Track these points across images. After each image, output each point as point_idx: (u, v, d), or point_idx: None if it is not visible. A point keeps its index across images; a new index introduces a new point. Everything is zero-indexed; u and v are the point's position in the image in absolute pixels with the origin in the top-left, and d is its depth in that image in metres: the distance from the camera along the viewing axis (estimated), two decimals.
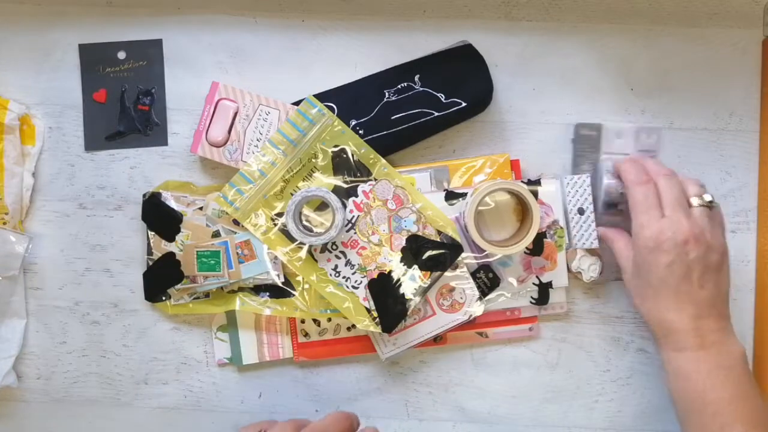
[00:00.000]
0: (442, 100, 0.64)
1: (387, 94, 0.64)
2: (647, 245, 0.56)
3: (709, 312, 0.56)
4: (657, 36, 0.66)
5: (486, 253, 0.63)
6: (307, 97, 0.63)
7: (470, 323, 0.65)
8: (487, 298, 0.64)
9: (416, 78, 0.64)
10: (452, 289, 0.64)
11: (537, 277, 0.64)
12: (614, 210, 0.63)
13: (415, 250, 0.63)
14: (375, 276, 0.63)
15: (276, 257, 0.63)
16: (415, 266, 0.63)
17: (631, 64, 0.66)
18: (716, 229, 0.58)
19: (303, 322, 0.65)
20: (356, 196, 0.63)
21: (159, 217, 0.65)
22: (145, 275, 0.66)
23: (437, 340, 0.66)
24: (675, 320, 0.56)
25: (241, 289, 0.65)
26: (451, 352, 0.67)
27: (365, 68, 0.66)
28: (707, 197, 0.58)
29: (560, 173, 0.66)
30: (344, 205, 0.62)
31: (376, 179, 0.63)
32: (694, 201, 0.58)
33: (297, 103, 0.64)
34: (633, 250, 0.59)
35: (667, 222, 0.56)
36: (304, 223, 0.63)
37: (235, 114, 0.64)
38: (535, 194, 0.63)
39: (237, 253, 0.64)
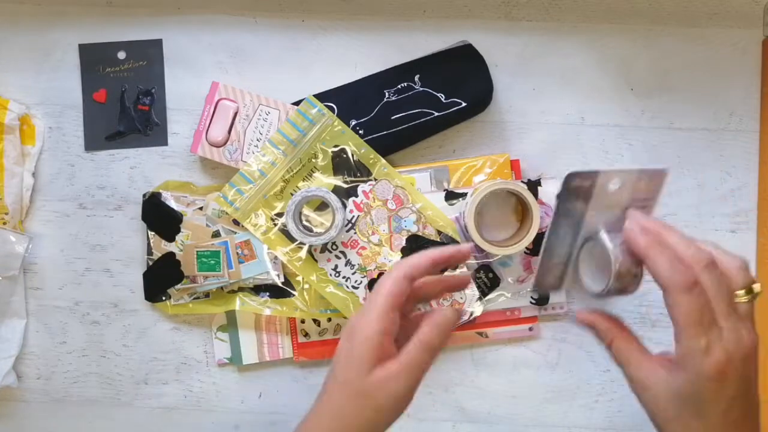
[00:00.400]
0: (442, 100, 0.64)
1: (387, 94, 0.64)
2: (710, 376, 0.40)
3: None
4: (657, 36, 0.66)
5: (486, 253, 0.63)
6: (307, 97, 0.63)
7: (470, 323, 0.65)
8: (487, 298, 0.64)
9: (416, 78, 0.64)
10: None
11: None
12: (617, 294, 0.46)
13: (415, 250, 0.63)
14: (375, 276, 0.63)
15: (276, 257, 0.63)
16: None
17: (631, 64, 0.66)
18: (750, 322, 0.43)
19: (303, 322, 0.65)
20: (356, 196, 0.63)
21: (159, 217, 0.65)
22: (145, 275, 0.66)
23: None
24: None
25: (241, 289, 0.65)
26: (451, 352, 0.67)
27: (365, 68, 0.66)
28: (757, 287, 0.43)
29: (560, 173, 0.66)
30: (344, 205, 0.62)
31: (376, 179, 0.63)
32: (743, 296, 0.43)
33: (297, 103, 0.64)
34: (679, 375, 0.42)
35: (731, 342, 0.41)
36: (304, 223, 0.63)
37: (235, 114, 0.64)
38: (535, 194, 0.63)
39: (237, 253, 0.64)
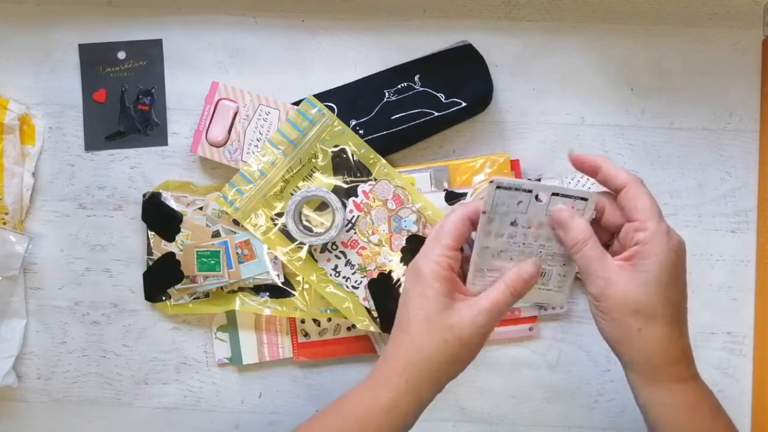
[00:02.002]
0: (442, 100, 0.64)
1: (387, 94, 0.64)
2: (672, 257, 0.46)
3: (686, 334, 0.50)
4: (657, 36, 0.66)
5: None
6: (307, 97, 0.63)
7: None
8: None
9: (416, 78, 0.64)
10: None
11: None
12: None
13: (415, 250, 0.63)
14: (375, 276, 0.63)
15: (276, 257, 0.63)
16: None
17: (631, 64, 0.66)
18: None
19: (303, 322, 0.65)
20: (356, 196, 0.63)
21: (159, 217, 0.65)
22: (145, 275, 0.66)
23: None
24: (686, 346, 0.49)
25: (241, 289, 0.65)
26: None
27: (365, 68, 0.66)
28: None
29: (560, 173, 0.66)
30: (344, 205, 0.62)
31: (376, 179, 0.63)
32: None
33: (297, 103, 0.64)
34: (638, 263, 0.47)
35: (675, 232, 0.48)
36: (304, 223, 0.63)
37: (235, 114, 0.64)
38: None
39: (237, 253, 0.64)
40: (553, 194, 0.48)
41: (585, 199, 0.48)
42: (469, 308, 0.47)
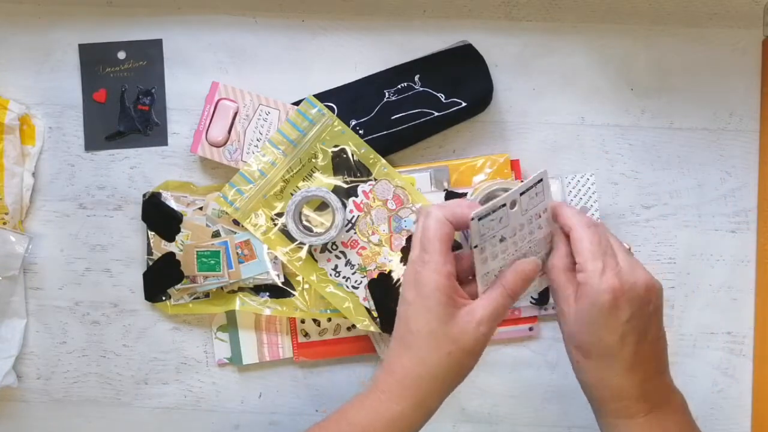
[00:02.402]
0: (442, 100, 0.64)
1: (387, 94, 0.64)
2: (604, 299, 0.46)
3: (655, 369, 0.49)
4: (657, 36, 0.66)
5: None
6: (307, 97, 0.63)
7: None
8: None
9: (416, 78, 0.64)
10: None
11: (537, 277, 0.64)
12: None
13: None
14: (375, 276, 0.63)
15: (276, 257, 0.63)
16: None
17: (631, 64, 0.66)
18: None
19: (303, 322, 0.65)
20: (356, 196, 0.63)
21: (159, 217, 0.65)
22: (145, 275, 0.66)
23: None
24: (625, 387, 0.48)
25: (241, 289, 0.65)
26: None
27: (365, 68, 0.66)
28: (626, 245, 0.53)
29: (560, 173, 0.66)
30: (344, 205, 0.62)
31: (376, 179, 0.63)
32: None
33: (297, 103, 0.64)
34: (579, 301, 0.48)
35: (628, 268, 0.47)
36: (304, 223, 0.63)
37: (235, 114, 0.64)
38: None
39: (237, 253, 0.64)
40: (521, 194, 0.48)
41: (540, 181, 0.48)
42: (470, 317, 0.47)
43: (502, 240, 0.48)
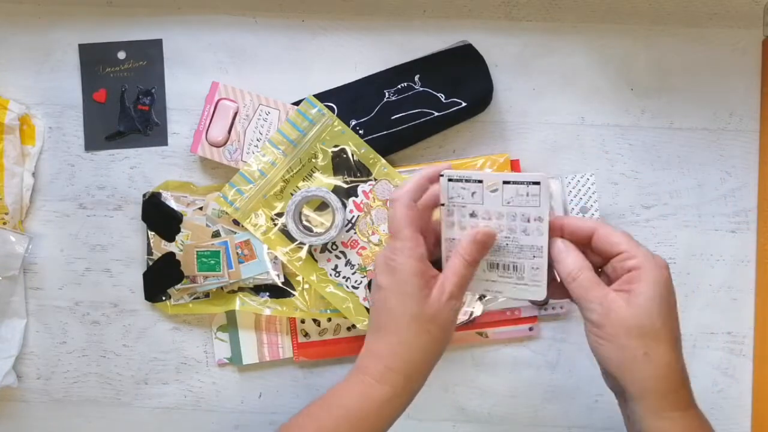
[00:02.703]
0: (442, 100, 0.64)
1: (387, 94, 0.64)
2: (666, 274, 0.47)
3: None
4: (657, 36, 0.66)
5: None
6: (307, 97, 0.63)
7: (470, 323, 0.65)
8: (487, 298, 0.64)
9: (416, 78, 0.64)
10: None
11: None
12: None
13: None
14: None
15: (276, 257, 0.63)
16: None
17: (631, 64, 0.66)
18: None
19: (303, 322, 0.65)
20: (356, 196, 0.63)
21: (159, 217, 0.65)
22: (145, 275, 0.66)
23: None
24: (685, 370, 0.48)
25: (241, 289, 0.65)
26: (451, 352, 0.67)
27: (365, 68, 0.66)
28: None
29: (560, 173, 0.66)
30: (344, 205, 0.62)
31: (376, 179, 0.63)
32: None
33: (297, 103, 0.64)
34: (637, 286, 0.47)
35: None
36: (304, 223, 0.63)
37: (235, 114, 0.64)
38: None
39: (237, 253, 0.64)
40: (504, 182, 0.48)
41: (537, 183, 0.48)
42: (441, 295, 0.49)
43: (472, 215, 0.50)
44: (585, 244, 0.50)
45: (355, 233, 0.63)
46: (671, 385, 0.47)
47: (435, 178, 0.51)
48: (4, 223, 0.64)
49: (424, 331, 0.49)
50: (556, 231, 0.50)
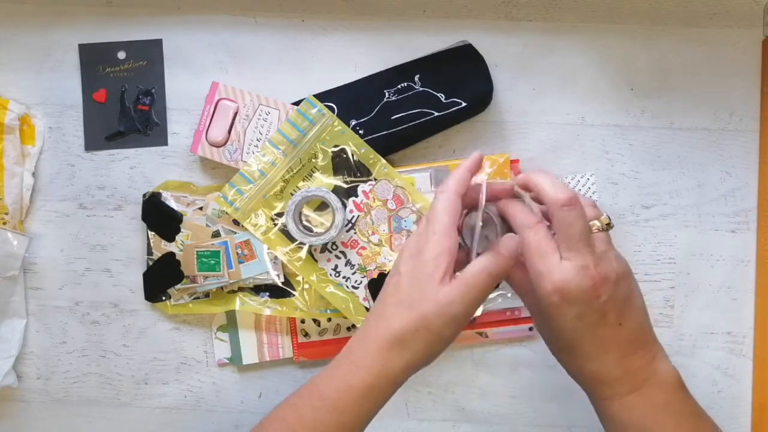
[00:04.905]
0: (442, 100, 0.64)
1: (387, 94, 0.64)
2: (551, 300, 0.46)
3: (634, 348, 0.49)
4: (657, 36, 0.66)
5: None
6: (307, 97, 0.63)
7: (470, 323, 0.65)
8: (487, 298, 0.64)
9: (416, 78, 0.64)
10: None
11: None
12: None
13: None
14: (375, 276, 0.63)
15: (276, 257, 0.63)
16: None
17: (631, 64, 0.66)
18: (614, 250, 0.49)
19: (303, 322, 0.65)
20: (356, 196, 0.63)
21: (159, 217, 0.65)
22: (145, 275, 0.66)
23: None
24: (598, 370, 0.49)
25: (241, 289, 0.65)
26: (451, 352, 0.67)
27: (365, 68, 0.66)
28: (605, 218, 0.50)
29: (560, 173, 0.66)
30: (344, 205, 0.62)
31: (376, 179, 0.63)
32: (593, 226, 0.49)
33: (297, 103, 0.64)
34: (535, 298, 0.48)
35: (569, 268, 0.46)
36: (304, 223, 0.63)
37: (235, 114, 0.64)
38: None
39: (237, 253, 0.64)
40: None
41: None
42: (447, 299, 0.47)
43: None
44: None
45: (355, 233, 0.63)
46: (588, 380, 0.50)
47: (474, 169, 0.50)
48: (4, 223, 0.64)
49: (412, 320, 0.47)
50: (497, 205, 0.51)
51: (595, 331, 0.47)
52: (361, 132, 0.64)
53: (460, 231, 0.51)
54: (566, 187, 0.47)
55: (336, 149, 0.63)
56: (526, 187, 0.50)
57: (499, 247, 0.49)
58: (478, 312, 0.64)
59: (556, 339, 0.50)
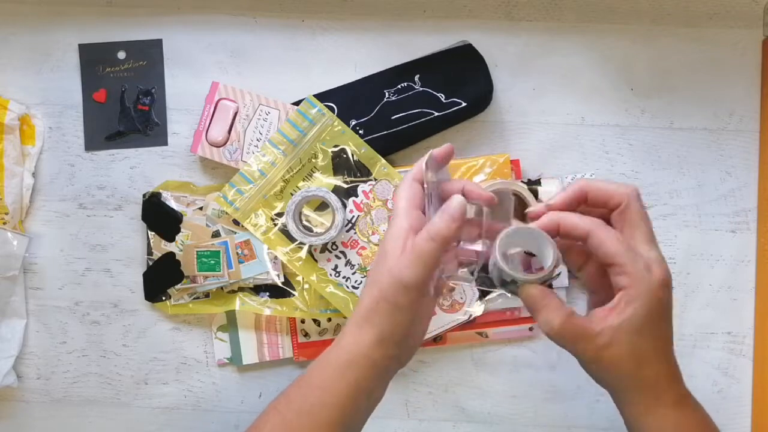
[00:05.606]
0: (442, 100, 0.64)
1: (387, 94, 0.64)
2: (664, 286, 0.45)
3: (673, 355, 0.49)
4: (657, 36, 0.66)
5: (488, 251, 0.63)
6: (307, 97, 0.63)
7: (470, 323, 0.65)
8: (487, 298, 0.64)
9: (416, 78, 0.64)
10: (452, 289, 0.64)
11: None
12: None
13: None
14: None
15: (276, 257, 0.63)
16: None
17: (631, 64, 0.66)
18: None
19: (303, 322, 0.65)
20: (356, 196, 0.63)
21: (159, 217, 0.65)
22: (145, 275, 0.66)
23: (437, 340, 0.66)
24: (656, 372, 0.47)
25: (241, 289, 0.65)
26: (451, 352, 0.67)
27: (365, 68, 0.66)
28: None
29: (560, 173, 0.66)
30: (344, 205, 0.62)
31: (376, 179, 0.63)
32: None
33: (297, 103, 0.64)
34: (632, 305, 0.45)
35: (661, 259, 0.46)
36: (304, 223, 0.63)
37: (235, 114, 0.64)
38: (535, 194, 0.63)
39: (237, 253, 0.64)
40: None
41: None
42: (398, 268, 0.47)
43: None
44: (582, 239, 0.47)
45: (355, 233, 0.63)
46: (658, 391, 0.47)
47: (441, 158, 0.51)
48: (4, 223, 0.64)
49: (381, 293, 0.47)
50: (552, 229, 0.47)
51: (665, 328, 0.47)
52: (361, 132, 0.64)
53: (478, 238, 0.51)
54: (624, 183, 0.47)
55: (336, 149, 0.63)
56: (582, 197, 0.48)
57: (441, 210, 0.49)
58: (479, 312, 0.64)
59: (657, 337, 0.46)
